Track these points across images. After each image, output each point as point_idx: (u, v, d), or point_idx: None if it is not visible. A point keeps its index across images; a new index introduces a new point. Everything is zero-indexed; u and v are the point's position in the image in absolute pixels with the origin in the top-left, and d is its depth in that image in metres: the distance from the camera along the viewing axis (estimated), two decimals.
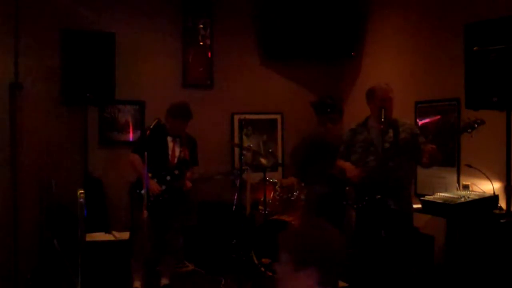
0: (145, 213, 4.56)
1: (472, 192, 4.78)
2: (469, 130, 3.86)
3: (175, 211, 5.09)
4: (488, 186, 4.74)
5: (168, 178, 4.97)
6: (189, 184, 5.10)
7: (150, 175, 4.95)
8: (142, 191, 4.83)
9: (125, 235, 5.42)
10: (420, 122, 5.69)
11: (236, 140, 6.67)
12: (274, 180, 6.07)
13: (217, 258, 5.93)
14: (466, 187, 5.02)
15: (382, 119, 4.15)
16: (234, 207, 5.92)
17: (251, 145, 6.36)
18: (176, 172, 5.01)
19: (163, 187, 4.96)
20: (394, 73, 6.20)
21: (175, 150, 5.05)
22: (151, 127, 4.71)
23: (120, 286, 5.28)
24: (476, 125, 3.83)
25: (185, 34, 6.69)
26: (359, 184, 4.27)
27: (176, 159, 5.04)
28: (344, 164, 4.41)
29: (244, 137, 6.61)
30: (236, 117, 6.74)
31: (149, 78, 6.48)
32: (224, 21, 6.81)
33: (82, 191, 4.44)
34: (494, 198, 4.60)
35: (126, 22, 6.33)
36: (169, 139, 5.05)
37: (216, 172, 5.96)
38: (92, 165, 5.91)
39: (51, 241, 5.39)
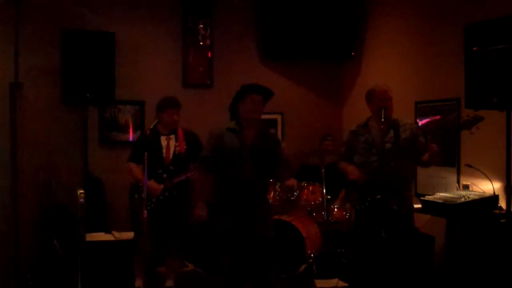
0: (145, 213, 4.55)
1: (472, 192, 4.78)
2: (469, 128, 3.87)
3: (178, 209, 5.04)
4: (488, 186, 4.74)
5: (165, 176, 4.95)
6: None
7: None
8: (142, 195, 4.85)
9: (125, 235, 5.42)
10: (420, 122, 5.69)
11: None
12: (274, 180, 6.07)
13: (217, 258, 5.92)
14: (466, 187, 5.02)
15: (383, 119, 4.16)
16: None
17: None
18: (171, 168, 4.98)
19: (161, 185, 4.95)
20: (394, 73, 6.21)
21: (169, 147, 5.02)
22: (150, 127, 4.78)
23: (120, 286, 5.28)
24: (475, 122, 3.84)
25: (185, 34, 6.69)
26: (362, 185, 4.27)
27: (171, 156, 5.01)
28: (346, 166, 4.40)
29: None
30: None
31: (149, 78, 6.47)
32: (224, 21, 6.81)
33: (82, 191, 4.44)
34: (494, 198, 4.60)
35: (126, 22, 6.33)
36: (163, 138, 5.02)
37: None
38: (92, 165, 5.91)
39: (51, 241, 5.39)
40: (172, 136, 5.03)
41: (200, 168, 4.23)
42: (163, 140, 5.01)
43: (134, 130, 6.34)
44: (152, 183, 4.85)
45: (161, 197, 4.90)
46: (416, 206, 4.71)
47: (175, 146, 5.00)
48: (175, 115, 5.00)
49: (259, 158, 4.05)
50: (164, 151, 4.98)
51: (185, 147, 5.00)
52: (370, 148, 4.31)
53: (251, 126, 4.08)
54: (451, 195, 4.73)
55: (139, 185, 4.93)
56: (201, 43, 6.75)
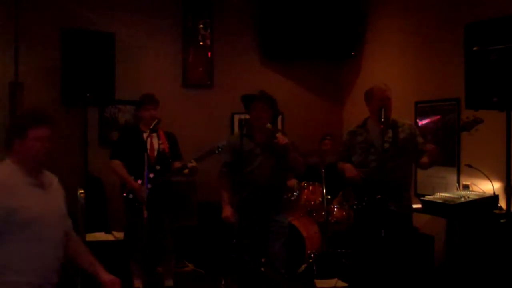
0: (145, 213, 4.55)
1: (472, 192, 4.78)
2: (469, 130, 3.87)
3: (167, 208, 5.03)
4: (488, 186, 4.74)
5: (152, 175, 4.92)
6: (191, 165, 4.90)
7: (132, 177, 4.94)
8: (130, 195, 4.91)
9: None
10: (420, 122, 5.69)
11: None
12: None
13: (217, 258, 5.93)
14: (466, 187, 5.02)
15: (382, 119, 4.15)
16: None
17: None
18: (158, 167, 4.97)
19: (149, 185, 4.88)
20: (394, 73, 6.21)
21: (153, 144, 5.02)
22: (150, 127, 4.80)
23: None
24: (475, 124, 3.84)
25: (185, 34, 6.69)
26: (359, 184, 4.27)
27: (155, 152, 5.00)
28: (344, 165, 4.41)
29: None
30: (236, 117, 6.75)
31: (149, 78, 6.48)
32: (224, 21, 6.82)
33: (82, 191, 4.44)
34: (494, 198, 4.60)
35: (126, 22, 6.34)
36: (144, 135, 4.98)
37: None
38: (92, 165, 5.89)
39: None
40: (154, 134, 5.03)
41: (222, 174, 4.54)
42: (145, 138, 5.00)
43: None
44: (138, 186, 4.85)
45: (150, 197, 4.81)
46: (416, 206, 4.71)
47: (159, 144, 5.01)
48: (152, 111, 5.01)
49: (271, 157, 4.32)
50: (148, 148, 4.96)
51: (168, 145, 5.02)
52: (369, 148, 4.31)
53: (260, 130, 4.34)
54: (451, 195, 4.73)
55: (129, 186, 4.95)
56: (201, 43, 6.76)
